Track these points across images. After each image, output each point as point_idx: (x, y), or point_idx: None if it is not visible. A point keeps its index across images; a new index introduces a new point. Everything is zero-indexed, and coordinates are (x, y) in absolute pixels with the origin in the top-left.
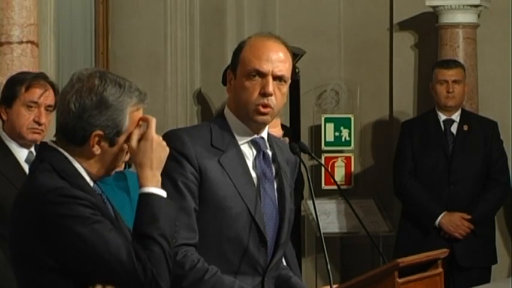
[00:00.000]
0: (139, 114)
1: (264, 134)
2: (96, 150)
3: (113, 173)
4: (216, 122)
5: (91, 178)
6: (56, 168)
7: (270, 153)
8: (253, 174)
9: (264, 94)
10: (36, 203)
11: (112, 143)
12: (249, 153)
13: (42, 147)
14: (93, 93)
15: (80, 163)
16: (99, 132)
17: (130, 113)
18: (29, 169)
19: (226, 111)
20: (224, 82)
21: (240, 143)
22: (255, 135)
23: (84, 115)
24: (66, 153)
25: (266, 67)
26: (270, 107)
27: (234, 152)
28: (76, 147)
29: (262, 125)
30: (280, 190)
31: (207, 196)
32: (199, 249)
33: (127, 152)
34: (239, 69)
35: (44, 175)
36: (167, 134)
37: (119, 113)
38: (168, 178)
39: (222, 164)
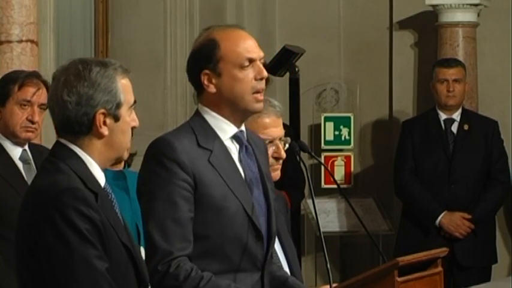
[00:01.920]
0: (128, 82)
1: (243, 128)
2: (105, 130)
3: (126, 154)
4: (195, 121)
5: (102, 169)
6: (73, 168)
7: (250, 146)
8: (240, 170)
9: (261, 78)
10: (49, 200)
11: (116, 118)
12: (233, 148)
13: (56, 146)
14: (81, 78)
15: (90, 154)
16: (102, 110)
17: (120, 82)
18: (42, 166)
19: (203, 110)
20: None
21: (223, 139)
22: (237, 130)
23: (82, 101)
24: (79, 150)
25: (254, 53)
26: (263, 90)
27: (221, 150)
28: (85, 138)
29: (253, 114)
30: (263, 181)
31: (204, 200)
32: (203, 253)
33: (132, 127)
34: (223, 64)
35: (61, 174)
36: (156, 142)
37: (112, 85)
38: (160, 188)
39: (212, 164)
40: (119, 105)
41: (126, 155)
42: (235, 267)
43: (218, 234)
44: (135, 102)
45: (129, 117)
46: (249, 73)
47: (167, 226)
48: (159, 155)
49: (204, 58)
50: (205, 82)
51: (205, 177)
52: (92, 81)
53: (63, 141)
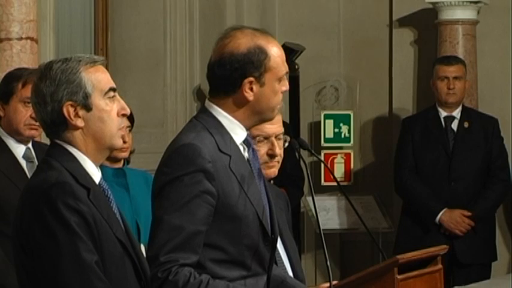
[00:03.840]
0: (97, 71)
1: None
2: (78, 122)
3: (118, 142)
4: (208, 122)
5: (96, 165)
6: (65, 166)
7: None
8: (252, 173)
9: (284, 92)
10: (39, 195)
11: (88, 107)
12: (244, 151)
13: (51, 146)
14: (43, 78)
15: (79, 149)
16: (69, 102)
17: (86, 72)
18: (37, 166)
19: (215, 110)
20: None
21: (237, 143)
22: (246, 134)
23: (47, 99)
24: (71, 148)
25: (287, 67)
26: None
27: (238, 155)
28: (66, 133)
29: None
30: (264, 182)
31: (225, 210)
32: (221, 261)
33: (122, 115)
34: (269, 75)
35: (52, 170)
36: (182, 147)
37: (73, 76)
38: (181, 196)
39: (232, 171)
40: (87, 95)
41: (118, 143)
42: (249, 272)
43: (237, 243)
44: (113, 89)
45: (109, 106)
46: (280, 87)
47: (178, 236)
48: (185, 161)
49: (253, 65)
50: (247, 89)
51: (228, 187)
52: (52, 77)
53: (56, 140)
